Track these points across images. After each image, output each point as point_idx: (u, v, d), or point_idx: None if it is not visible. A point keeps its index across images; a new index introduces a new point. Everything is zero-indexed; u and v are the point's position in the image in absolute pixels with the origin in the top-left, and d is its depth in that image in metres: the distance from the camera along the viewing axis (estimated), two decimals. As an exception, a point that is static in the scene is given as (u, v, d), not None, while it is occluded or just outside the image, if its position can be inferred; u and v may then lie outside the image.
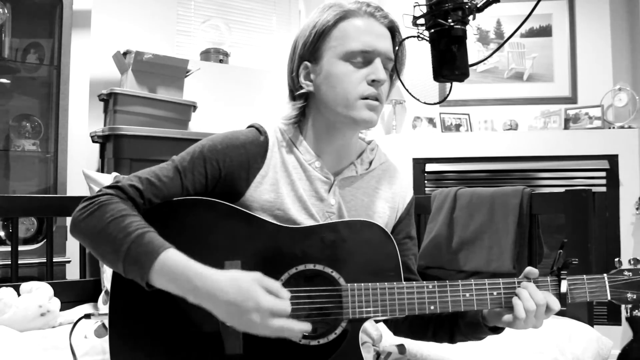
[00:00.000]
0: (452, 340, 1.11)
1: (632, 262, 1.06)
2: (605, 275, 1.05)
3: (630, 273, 1.05)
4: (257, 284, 0.86)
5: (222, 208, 1.02)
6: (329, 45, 1.05)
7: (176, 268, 0.88)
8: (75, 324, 1.14)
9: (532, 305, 0.97)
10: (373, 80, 1.03)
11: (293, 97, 1.12)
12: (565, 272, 1.02)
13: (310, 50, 1.07)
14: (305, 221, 1.07)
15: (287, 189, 1.08)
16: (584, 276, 1.04)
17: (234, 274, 0.88)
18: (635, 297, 1.04)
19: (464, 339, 1.10)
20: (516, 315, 0.97)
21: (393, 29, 1.09)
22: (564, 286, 1.02)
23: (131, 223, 0.91)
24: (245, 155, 1.06)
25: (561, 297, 1.00)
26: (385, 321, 1.23)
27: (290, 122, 1.12)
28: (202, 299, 0.87)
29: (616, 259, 1.07)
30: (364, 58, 1.04)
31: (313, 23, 1.07)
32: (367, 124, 1.06)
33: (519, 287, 1.00)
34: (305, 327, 0.87)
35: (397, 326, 1.19)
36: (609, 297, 1.04)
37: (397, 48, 1.08)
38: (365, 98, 1.04)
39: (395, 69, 1.09)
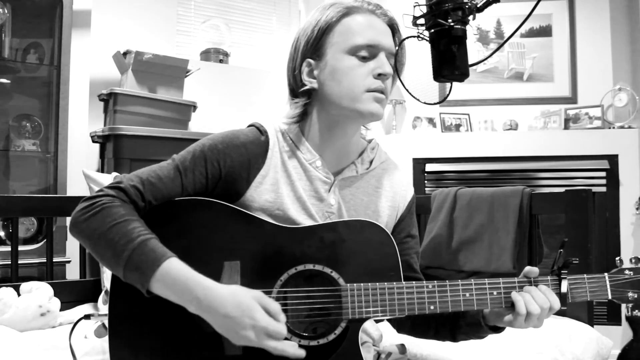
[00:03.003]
0: (454, 339, 1.11)
1: (633, 260, 1.06)
2: (606, 274, 1.05)
3: (632, 272, 1.05)
4: (256, 301, 0.87)
5: (220, 208, 1.02)
6: (333, 41, 1.06)
7: (178, 278, 0.88)
8: (74, 325, 1.14)
9: (536, 308, 0.97)
10: (379, 74, 1.04)
11: (294, 95, 1.12)
12: (566, 271, 1.02)
13: (313, 47, 1.07)
14: (305, 221, 1.06)
15: (287, 189, 1.07)
16: (585, 275, 1.04)
17: (235, 288, 0.89)
18: (636, 296, 1.04)
19: (466, 338, 1.10)
20: (517, 312, 0.97)
21: (393, 27, 1.10)
22: (564, 286, 1.01)
23: (134, 229, 0.91)
24: (246, 155, 1.06)
25: (562, 297, 1.00)
26: (388, 319, 1.23)
27: (292, 121, 1.11)
28: (202, 310, 0.88)
29: (617, 258, 1.07)
30: (369, 52, 1.05)
31: (315, 21, 1.08)
32: (374, 116, 1.06)
33: (521, 290, 1.00)
34: (300, 352, 0.88)
35: (400, 324, 1.19)
36: (610, 297, 1.04)
37: (397, 48, 1.08)
38: (372, 91, 1.04)
39: (395, 69, 1.09)
